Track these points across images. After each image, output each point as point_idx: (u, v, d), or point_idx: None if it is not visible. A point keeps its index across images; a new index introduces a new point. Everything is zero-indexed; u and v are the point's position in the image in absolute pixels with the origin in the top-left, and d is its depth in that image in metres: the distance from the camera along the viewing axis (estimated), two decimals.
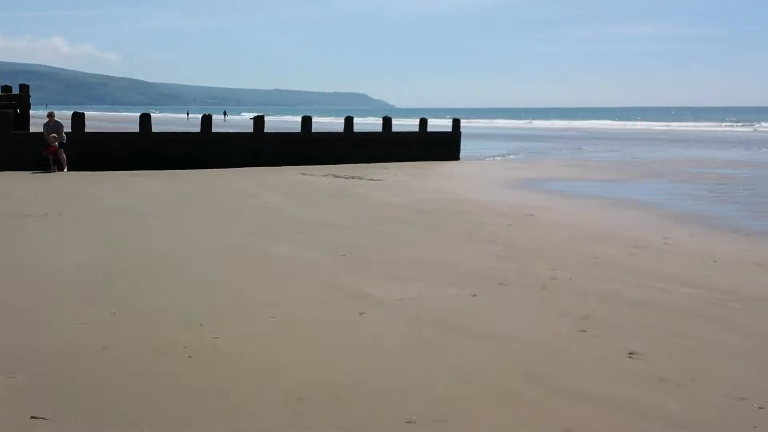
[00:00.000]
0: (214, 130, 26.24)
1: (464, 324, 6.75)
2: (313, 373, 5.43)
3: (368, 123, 53.60)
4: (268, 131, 28.00)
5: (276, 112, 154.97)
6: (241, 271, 8.83)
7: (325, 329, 6.54)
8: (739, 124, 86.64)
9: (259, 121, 27.05)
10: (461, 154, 31.11)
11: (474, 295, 7.80)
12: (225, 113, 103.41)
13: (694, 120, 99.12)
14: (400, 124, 48.74)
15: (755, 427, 4.59)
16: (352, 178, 21.60)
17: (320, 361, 5.69)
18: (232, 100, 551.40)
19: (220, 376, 5.33)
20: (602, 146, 44.20)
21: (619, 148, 42.35)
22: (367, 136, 29.42)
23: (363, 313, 7.01)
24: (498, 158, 33.59)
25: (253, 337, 6.26)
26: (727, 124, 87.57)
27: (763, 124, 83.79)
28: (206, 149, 24.91)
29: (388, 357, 5.82)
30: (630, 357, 5.88)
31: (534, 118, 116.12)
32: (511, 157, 34.55)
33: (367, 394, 5.04)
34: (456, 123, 31.70)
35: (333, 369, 5.53)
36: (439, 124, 44.61)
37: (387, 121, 30.06)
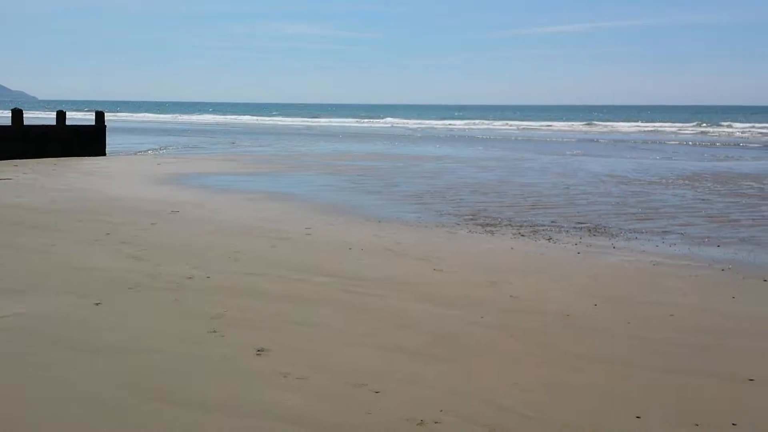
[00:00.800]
0: None
1: (81, 339, 6.00)
2: None
3: (3, 116, 47.50)
4: None
5: None
6: None
7: None
8: (378, 120, 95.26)
9: None
10: (108, 149, 29.12)
11: (97, 304, 7.04)
12: None
13: (338, 116, 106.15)
14: (39, 117, 44.13)
15: (369, 413, 4.67)
16: None
17: None
18: None
19: None
20: (255, 140, 44.88)
21: (271, 142, 43.39)
22: None
23: None
24: (150, 153, 32.09)
25: None
26: (367, 120, 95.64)
27: (390, 119, 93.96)
28: None
29: None
30: (258, 354, 5.72)
31: (183, 113, 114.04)
32: (163, 151, 33.26)
33: None
34: (100, 116, 29.47)
35: None
36: (84, 117, 41.32)
37: (17, 114, 26.77)
